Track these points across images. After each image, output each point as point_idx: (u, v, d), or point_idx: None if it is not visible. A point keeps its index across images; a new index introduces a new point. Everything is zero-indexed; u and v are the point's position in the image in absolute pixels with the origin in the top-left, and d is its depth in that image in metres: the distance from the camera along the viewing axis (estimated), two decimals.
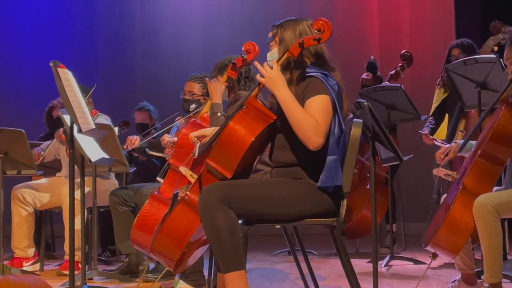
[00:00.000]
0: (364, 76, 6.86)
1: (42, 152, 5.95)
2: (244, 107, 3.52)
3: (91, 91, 5.48)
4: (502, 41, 5.31)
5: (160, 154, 5.19)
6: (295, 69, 3.51)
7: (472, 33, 7.11)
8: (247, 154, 3.45)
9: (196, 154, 3.47)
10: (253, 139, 3.42)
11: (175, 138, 4.74)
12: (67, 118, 4.30)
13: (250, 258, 6.06)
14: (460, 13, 8.70)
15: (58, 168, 6.09)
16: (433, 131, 5.95)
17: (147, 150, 5.41)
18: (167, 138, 4.99)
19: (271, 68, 3.46)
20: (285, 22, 3.61)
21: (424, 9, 8.93)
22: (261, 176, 4.29)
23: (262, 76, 3.48)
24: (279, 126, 3.52)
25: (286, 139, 3.51)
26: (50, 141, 6.11)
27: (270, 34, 3.63)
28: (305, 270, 4.08)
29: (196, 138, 3.63)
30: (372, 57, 7.04)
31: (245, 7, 9.33)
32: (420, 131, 5.82)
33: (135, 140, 5.34)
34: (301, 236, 4.06)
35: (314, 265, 4.24)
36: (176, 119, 5.26)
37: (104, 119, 5.73)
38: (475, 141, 4.21)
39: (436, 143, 5.38)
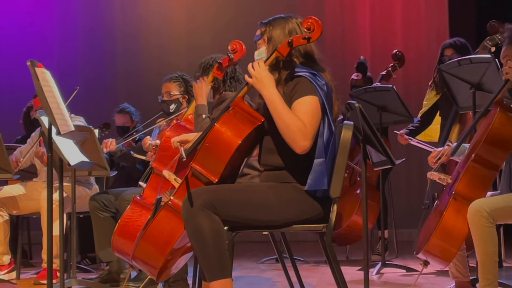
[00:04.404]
0: (353, 76, 6.80)
1: (21, 159, 5.82)
2: (230, 108, 3.46)
3: (72, 96, 5.36)
4: (499, 42, 5.23)
5: (143, 157, 5.09)
6: (284, 69, 3.44)
7: (467, 33, 7.05)
8: (234, 158, 3.38)
9: (185, 156, 3.33)
10: (240, 142, 3.35)
11: (158, 141, 4.69)
12: (45, 120, 4.19)
13: (236, 265, 6.01)
14: (454, 11, 8.66)
15: (35, 172, 5.97)
16: (413, 133, 5.93)
17: (132, 152, 5.31)
18: (148, 141, 4.92)
19: (259, 67, 3.37)
20: (274, 20, 3.54)
21: (417, 8, 8.87)
22: (248, 180, 4.23)
23: (249, 76, 3.40)
24: (266, 128, 3.45)
25: (274, 141, 3.44)
26: (25, 146, 5.97)
27: (258, 32, 3.58)
28: (294, 279, 4.04)
29: (178, 144, 3.51)
30: (362, 57, 6.97)
31: (232, 4, 9.20)
32: (395, 131, 5.80)
33: (110, 144, 5.28)
34: (290, 243, 4.03)
35: (303, 273, 4.20)
36: (157, 122, 5.18)
37: (79, 122, 5.66)
38: (469, 144, 4.14)
39: (411, 142, 5.35)
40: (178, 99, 5.08)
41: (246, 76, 3.43)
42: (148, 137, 5.08)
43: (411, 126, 6.05)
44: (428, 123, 6.04)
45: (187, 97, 5.10)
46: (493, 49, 5.31)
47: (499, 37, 5.28)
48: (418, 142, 5.61)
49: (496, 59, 4.82)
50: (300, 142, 3.26)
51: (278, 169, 3.42)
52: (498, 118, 3.87)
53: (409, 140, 5.67)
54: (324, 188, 3.33)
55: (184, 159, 3.41)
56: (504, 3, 8.39)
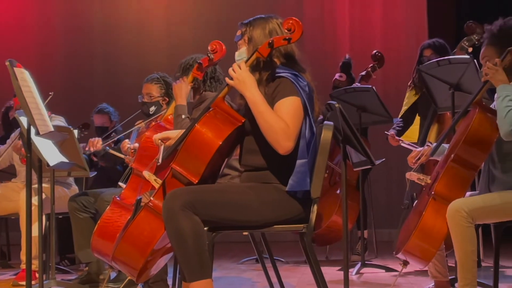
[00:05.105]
0: (337, 76, 6.75)
1: None
2: (211, 109, 3.44)
3: (46, 101, 5.31)
4: (477, 42, 5.25)
5: (122, 155, 5.06)
6: (265, 69, 3.43)
7: (445, 33, 7.08)
8: (214, 158, 3.37)
9: (160, 160, 3.33)
10: (220, 143, 3.34)
11: (136, 145, 4.67)
12: (23, 120, 4.17)
13: (216, 266, 6.00)
14: (433, 12, 8.69)
15: (14, 172, 5.92)
16: (400, 133, 5.92)
17: (107, 148, 5.27)
18: (127, 145, 4.90)
19: (240, 68, 3.36)
20: (254, 20, 3.53)
21: (396, 9, 8.88)
22: (228, 181, 4.21)
23: (230, 78, 3.39)
24: (247, 129, 3.44)
25: (255, 142, 3.43)
26: (4, 146, 5.93)
27: (239, 32, 3.57)
28: (274, 279, 4.05)
29: (160, 141, 3.50)
30: (347, 56, 6.92)
31: (212, 3, 9.17)
32: (386, 132, 5.78)
33: (96, 142, 5.24)
34: (270, 243, 4.03)
35: (283, 273, 4.21)
36: (136, 124, 5.15)
37: (59, 121, 5.62)
38: (448, 144, 4.15)
39: (402, 144, 5.34)
40: (158, 101, 5.05)
41: (227, 79, 3.41)
42: (126, 140, 5.05)
43: (397, 126, 6.01)
44: (410, 123, 6.02)
45: (167, 99, 5.06)
46: (470, 49, 5.33)
47: (476, 37, 5.30)
48: (409, 144, 5.57)
49: (475, 60, 4.84)
50: (283, 143, 3.26)
51: (259, 170, 3.41)
52: (477, 119, 3.88)
53: (400, 142, 5.63)
54: (306, 189, 3.33)
55: (159, 163, 3.40)
56: (482, 4, 8.44)
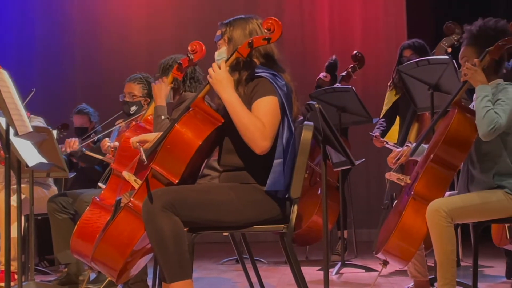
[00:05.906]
0: (321, 76, 6.74)
1: None
2: (191, 109, 3.44)
3: (28, 98, 5.28)
4: (456, 43, 5.28)
5: (99, 156, 5.04)
6: (244, 69, 3.43)
7: (424, 34, 7.10)
8: (194, 158, 3.37)
9: (145, 159, 3.30)
10: (200, 143, 3.34)
11: (116, 143, 4.64)
12: (2, 121, 4.14)
13: (196, 267, 5.99)
14: (412, 13, 8.71)
15: None
16: (383, 133, 5.92)
17: (84, 149, 5.25)
18: (107, 143, 4.87)
19: (220, 68, 3.35)
20: (234, 21, 3.53)
21: (375, 9, 8.90)
22: (208, 181, 4.19)
23: (210, 77, 3.39)
24: (226, 129, 3.44)
25: (234, 142, 3.43)
26: None
27: (219, 33, 3.56)
28: (254, 279, 4.05)
29: (138, 144, 3.48)
30: (334, 57, 6.91)
31: (192, 4, 9.15)
32: (370, 133, 5.78)
33: (73, 143, 5.21)
34: (250, 244, 4.04)
35: (263, 274, 4.22)
36: (116, 123, 5.13)
37: (38, 122, 5.58)
38: (428, 144, 4.17)
39: (386, 145, 5.35)
40: (140, 101, 5.03)
41: (208, 77, 3.41)
42: (106, 139, 5.02)
43: (381, 127, 6.01)
44: (392, 121, 6.04)
45: (149, 99, 5.04)
46: (449, 49, 5.35)
47: (455, 38, 5.32)
48: (393, 145, 5.57)
49: (454, 60, 4.86)
50: (259, 143, 3.26)
51: (238, 170, 3.41)
52: (456, 119, 3.90)
53: (384, 143, 5.64)
54: (281, 188, 3.32)
55: (145, 163, 3.38)
56: (460, 4, 8.48)
